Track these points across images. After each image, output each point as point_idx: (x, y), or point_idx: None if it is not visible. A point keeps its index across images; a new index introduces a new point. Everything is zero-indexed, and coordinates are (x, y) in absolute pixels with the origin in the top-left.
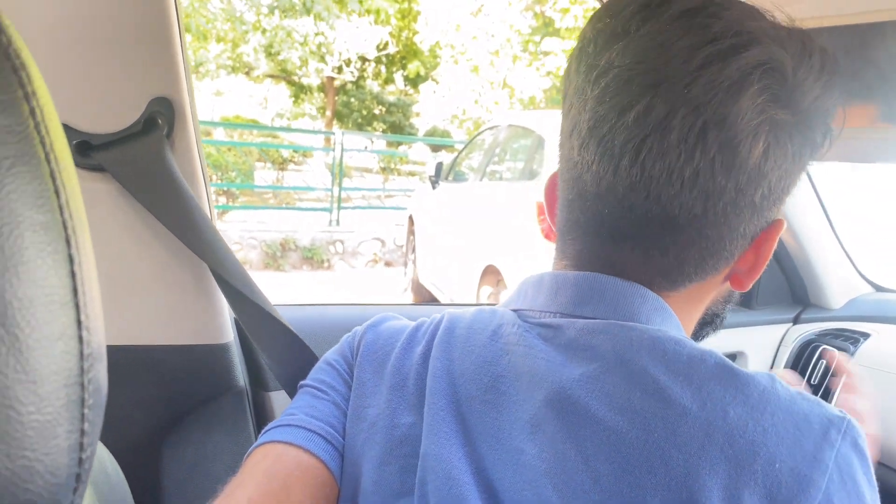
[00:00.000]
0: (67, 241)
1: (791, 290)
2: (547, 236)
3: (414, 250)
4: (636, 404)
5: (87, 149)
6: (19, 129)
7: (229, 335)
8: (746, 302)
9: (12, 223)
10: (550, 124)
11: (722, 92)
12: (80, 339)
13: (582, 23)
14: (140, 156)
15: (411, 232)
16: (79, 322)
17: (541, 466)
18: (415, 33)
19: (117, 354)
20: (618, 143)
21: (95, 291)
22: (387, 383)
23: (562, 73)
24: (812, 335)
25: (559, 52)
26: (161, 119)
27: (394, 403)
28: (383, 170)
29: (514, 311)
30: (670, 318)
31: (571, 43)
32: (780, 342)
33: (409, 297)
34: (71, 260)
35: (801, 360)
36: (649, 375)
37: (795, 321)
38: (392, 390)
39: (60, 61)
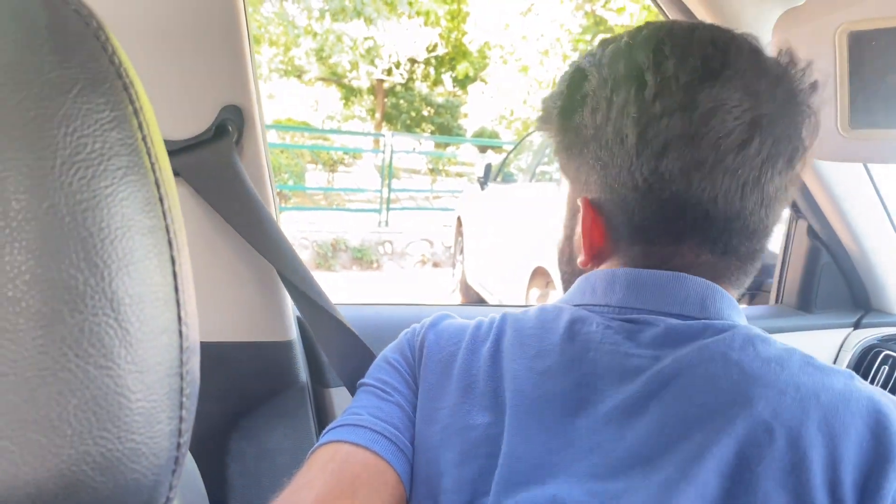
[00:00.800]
0: (170, 244)
1: (851, 294)
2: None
3: (462, 251)
4: (736, 386)
5: None
6: (130, 142)
7: (293, 333)
8: (805, 306)
9: (125, 227)
10: None
11: (800, 125)
12: (181, 333)
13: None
14: (211, 161)
15: (459, 233)
16: (179, 318)
17: (639, 453)
18: (464, 34)
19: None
20: (743, 173)
21: (192, 290)
22: (455, 384)
23: None
24: (875, 340)
25: None
26: (231, 126)
27: (466, 405)
28: (431, 171)
29: (581, 306)
30: (742, 316)
31: None
32: (840, 347)
33: (456, 298)
34: (173, 261)
35: (862, 366)
36: (746, 364)
37: (856, 326)
38: (462, 391)
39: (138, 71)
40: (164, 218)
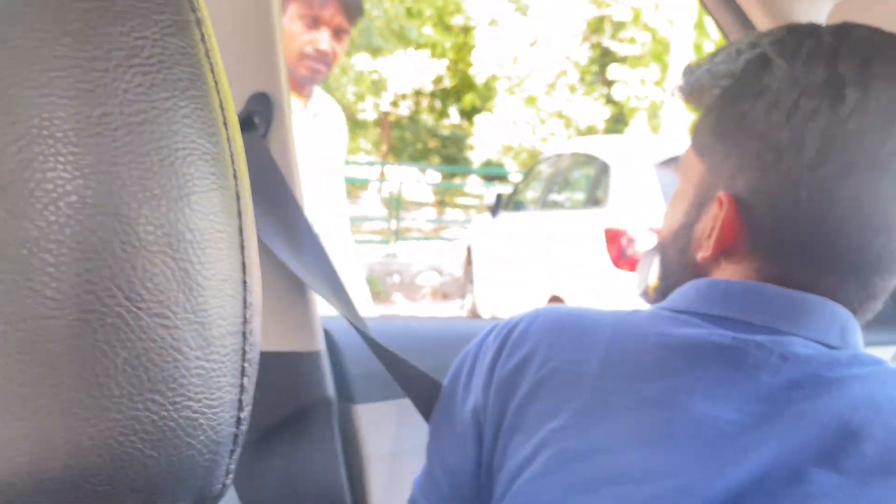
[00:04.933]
0: (235, 176)
1: None
2: (617, 264)
3: (472, 281)
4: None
5: None
6: (192, 52)
7: (320, 344)
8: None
9: (187, 149)
10: (615, 150)
11: None
12: (244, 284)
13: (646, 51)
14: None
15: (469, 262)
16: (243, 265)
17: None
18: (470, 66)
19: None
20: (844, 201)
21: (255, 237)
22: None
23: (633, 102)
24: None
25: (629, 81)
26: (258, 118)
27: None
28: (439, 203)
29: (703, 316)
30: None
31: (640, 72)
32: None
33: None
34: (238, 197)
35: None
36: None
37: None
38: None
39: None
40: (229, 145)
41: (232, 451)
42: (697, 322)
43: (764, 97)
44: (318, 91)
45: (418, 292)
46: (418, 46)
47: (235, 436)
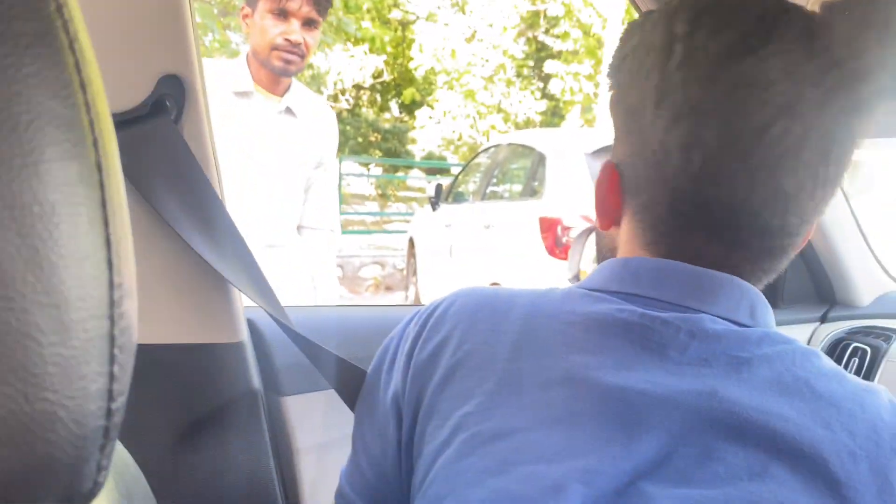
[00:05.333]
0: (95, 146)
1: (817, 288)
2: (552, 252)
3: (415, 273)
4: (809, 406)
5: None
6: (40, 6)
7: (242, 334)
8: (772, 301)
9: (32, 113)
10: (551, 142)
11: (846, 116)
12: (110, 263)
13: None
14: (146, 140)
15: (412, 255)
16: (108, 242)
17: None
18: (409, 60)
19: None
20: (752, 163)
21: (125, 210)
22: None
23: (567, 96)
24: (842, 333)
25: (564, 76)
26: (170, 101)
27: None
28: (381, 196)
29: (622, 294)
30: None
31: (575, 67)
32: (809, 342)
33: None
34: (99, 168)
35: (832, 359)
36: (813, 381)
37: (823, 320)
38: None
39: None
40: (87, 110)
41: (103, 447)
42: (609, 299)
43: (626, 63)
44: (297, 87)
45: (362, 285)
46: (357, 41)
47: (106, 429)
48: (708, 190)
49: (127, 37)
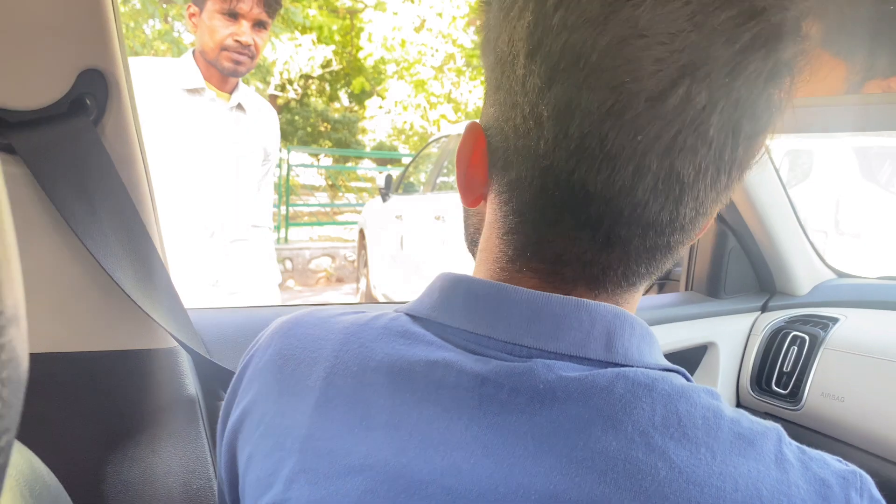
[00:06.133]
0: None
1: (758, 278)
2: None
3: (366, 264)
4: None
5: None
6: None
7: (172, 340)
8: (714, 292)
9: None
10: None
11: (762, 83)
12: None
13: None
14: (61, 141)
15: (363, 246)
16: None
17: None
18: (359, 49)
19: (43, 363)
20: (644, 138)
21: (8, 228)
22: None
23: None
24: (782, 322)
25: None
26: (90, 100)
27: None
28: (331, 187)
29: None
30: (653, 340)
31: None
32: (750, 331)
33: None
34: None
35: (772, 348)
36: (672, 453)
37: (763, 309)
38: None
39: None
40: None
41: None
42: (426, 339)
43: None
44: (242, 86)
45: (312, 277)
46: (304, 30)
47: None
48: (585, 172)
49: (44, 27)
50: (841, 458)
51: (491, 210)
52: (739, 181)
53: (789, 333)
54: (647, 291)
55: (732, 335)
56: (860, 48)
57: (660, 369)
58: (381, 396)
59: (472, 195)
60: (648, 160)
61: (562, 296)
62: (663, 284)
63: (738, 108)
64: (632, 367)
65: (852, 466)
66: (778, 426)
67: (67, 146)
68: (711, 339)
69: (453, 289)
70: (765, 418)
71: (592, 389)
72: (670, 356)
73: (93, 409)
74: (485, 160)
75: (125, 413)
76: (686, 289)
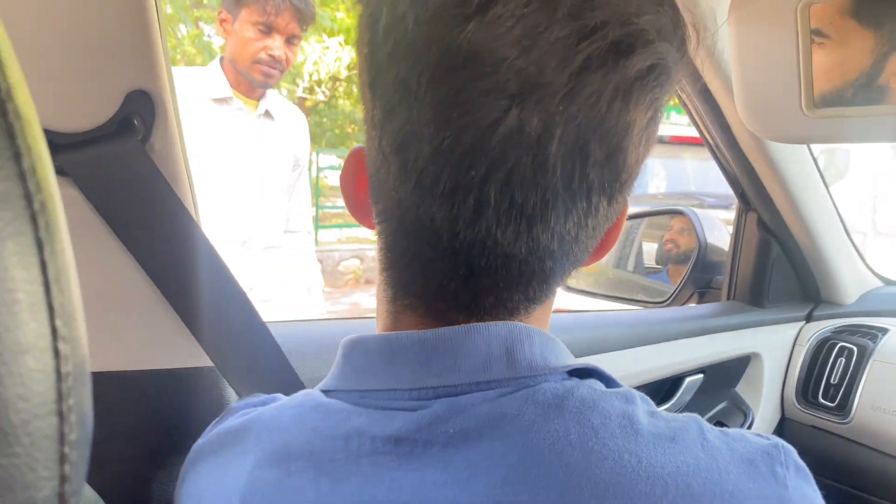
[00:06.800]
0: (33, 220)
1: (802, 286)
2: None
3: None
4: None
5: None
6: None
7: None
8: (757, 301)
9: None
10: None
11: (607, 103)
12: (56, 352)
13: None
14: (111, 161)
15: None
16: (53, 330)
17: None
18: None
19: (95, 383)
20: (479, 172)
21: (74, 289)
22: None
23: None
24: (828, 332)
25: None
26: (137, 120)
27: None
28: None
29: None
30: (556, 345)
31: None
32: (795, 341)
33: None
34: (39, 245)
35: (818, 359)
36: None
37: (808, 319)
38: None
39: (18, 44)
40: (24, 181)
41: None
42: (341, 406)
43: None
44: (269, 92)
45: (341, 279)
46: (332, 33)
47: None
48: (429, 206)
49: (92, 51)
50: (761, 433)
51: (377, 242)
52: (612, 203)
53: (836, 344)
54: (687, 301)
55: (776, 346)
56: (889, 19)
57: (568, 372)
58: (304, 489)
59: (365, 222)
60: (486, 193)
61: (449, 327)
62: (703, 293)
63: (582, 133)
64: (539, 377)
65: (774, 439)
66: (696, 416)
67: (117, 166)
68: (755, 349)
69: (352, 351)
70: (812, 432)
71: (502, 421)
72: (712, 367)
73: (138, 428)
74: (366, 185)
75: (168, 432)
76: (728, 298)
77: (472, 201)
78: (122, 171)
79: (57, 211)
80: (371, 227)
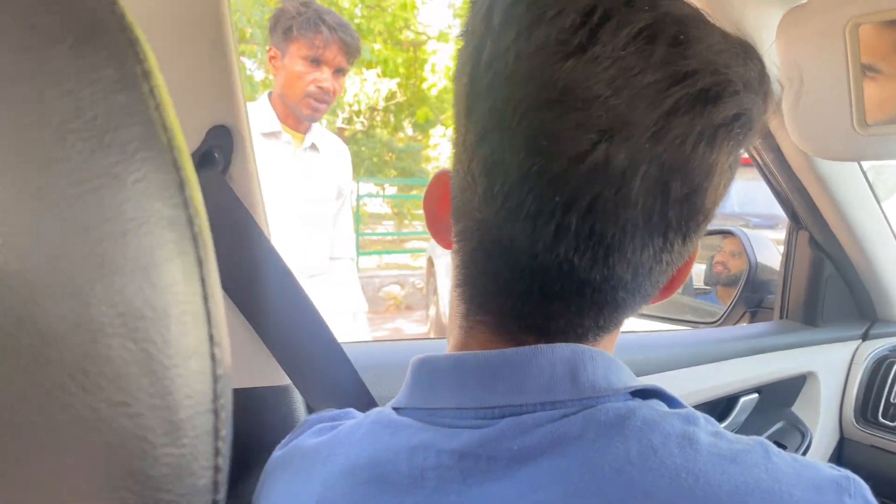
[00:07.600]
0: (194, 241)
1: (856, 304)
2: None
3: (435, 291)
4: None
5: None
6: (141, 110)
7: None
8: (811, 320)
9: (140, 218)
10: None
11: (691, 145)
12: (213, 357)
13: None
14: None
15: (431, 273)
16: (210, 337)
17: None
18: (423, 80)
19: None
20: (562, 199)
21: (221, 302)
22: None
23: None
24: (886, 350)
25: None
26: (218, 152)
27: None
28: (396, 215)
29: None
30: (619, 366)
31: None
32: (852, 360)
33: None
34: (200, 263)
35: (876, 378)
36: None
37: (865, 337)
38: None
39: None
40: (187, 207)
41: None
42: (405, 427)
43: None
44: (314, 125)
45: (382, 305)
46: (370, 65)
47: None
48: (511, 229)
49: (178, 90)
50: (834, 465)
51: (452, 259)
52: (686, 243)
53: (895, 363)
54: (738, 320)
55: (833, 365)
56: None
57: (631, 392)
58: (372, 500)
59: (444, 239)
60: (568, 219)
61: (516, 348)
62: (755, 313)
63: (665, 172)
64: (602, 398)
65: (845, 471)
66: (762, 439)
67: (206, 197)
68: (810, 368)
69: (420, 371)
70: (872, 451)
71: (565, 440)
72: (767, 387)
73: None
74: (448, 206)
75: (243, 453)
76: (780, 317)
77: (553, 226)
78: (206, 202)
79: (207, 232)
80: (448, 246)
